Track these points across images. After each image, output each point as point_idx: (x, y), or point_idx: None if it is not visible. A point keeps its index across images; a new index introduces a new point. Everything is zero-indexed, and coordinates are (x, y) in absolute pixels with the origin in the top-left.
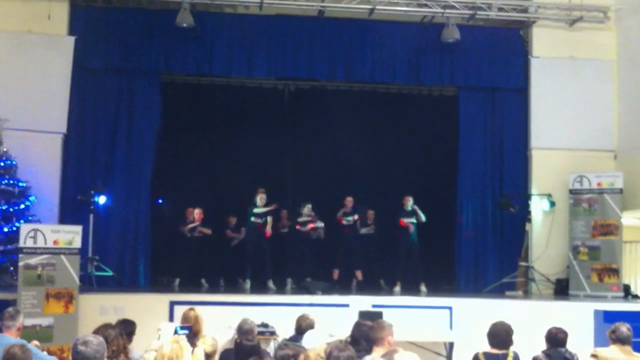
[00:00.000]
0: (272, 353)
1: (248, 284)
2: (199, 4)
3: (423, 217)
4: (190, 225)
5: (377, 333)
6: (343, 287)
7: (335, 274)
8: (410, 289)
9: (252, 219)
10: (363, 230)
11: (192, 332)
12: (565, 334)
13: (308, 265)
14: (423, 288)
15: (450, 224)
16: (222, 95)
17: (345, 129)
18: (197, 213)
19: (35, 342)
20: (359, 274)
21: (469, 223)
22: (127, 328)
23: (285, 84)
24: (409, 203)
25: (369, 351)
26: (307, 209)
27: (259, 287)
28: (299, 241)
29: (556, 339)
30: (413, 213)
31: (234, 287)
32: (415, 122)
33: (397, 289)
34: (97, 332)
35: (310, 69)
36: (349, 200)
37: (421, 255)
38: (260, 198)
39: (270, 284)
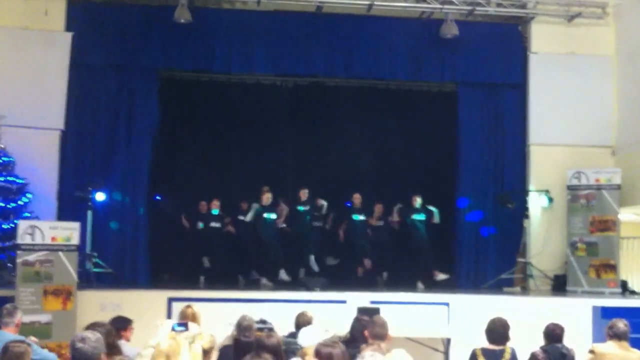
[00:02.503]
0: None
1: (284, 274)
2: None
3: (437, 218)
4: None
5: (374, 328)
6: (341, 282)
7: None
8: (410, 285)
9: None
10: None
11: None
12: (562, 329)
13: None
14: (420, 285)
15: (449, 220)
16: (220, 91)
17: (344, 125)
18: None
19: (33, 338)
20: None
21: (468, 219)
22: (121, 324)
23: (284, 81)
24: (417, 202)
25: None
26: (303, 194)
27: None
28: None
29: (553, 334)
30: (421, 210)
31: (244, 284)
32: (414, 118)
33: (420, 285)
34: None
35: (309, 65)
36: (357, 197)
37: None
38: (266, 198)
39: (265, 280)
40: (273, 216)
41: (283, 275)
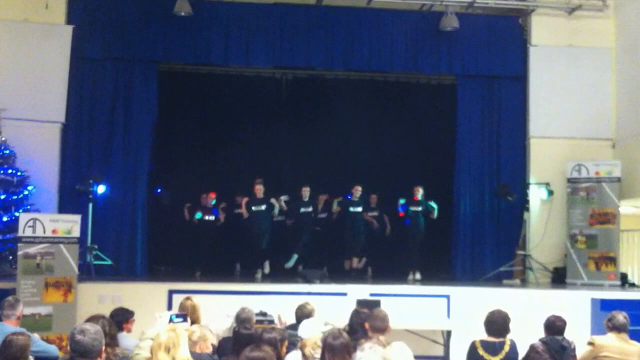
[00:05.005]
0: None
1: (260, 272)
2: None
3: (435, 213)
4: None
5: (374, 322)
6: (340, 275)
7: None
8: (407, 276)
9: (253, 209)
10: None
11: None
12: (563, 322)
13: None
14: (417, 276)
15: (448, 213)
16: (220, 84)
17: (343, 118)
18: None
19: (37, 335)
20: (355, 261)
21: (467, 211)
22: (123, 316)
23: (283, 73)
24: (419, 193)
25: (366, 339)
26: (305, 192)
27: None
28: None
29: (554, 327)
30: (420, 203)
31: (242, 275)
32: (414, 111)
33: (411, 277)
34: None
35: (308, 58)
36: (357, 189)
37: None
38: (258, 190)
39: (266, 268)
40: (262, 207)
41: (266, 267)
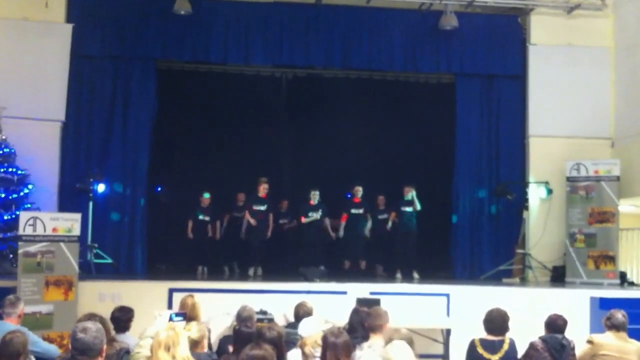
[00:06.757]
0: None
1: (252, 271)
2: None
3: (418, 206)
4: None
5: (374, 320)
6: (342, 274)
7: (362, 265)
8: (405, 275)
9: (254, 207)
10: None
11: (188, 318)
12: (564, 321)
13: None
14: (415, 275)
15: (447, 212)
16: (219, 82)
17: (342, 117)
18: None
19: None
20: (362, 263)
21: (466, 210)
22: (124, 315)
23: (282, 72)
24: (409, 193)
25: (366, 338)
26: (315, 196)
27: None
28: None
29: (555, 325)
30: (411, 202)
31: (237, 274)
32: (412, 110)
33: (399, 275)
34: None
35: (307, 57)
36: (357, 190)
37: (418, 243)
38: (263, 188)
39: (259, 271)
40: (263, 208)
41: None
